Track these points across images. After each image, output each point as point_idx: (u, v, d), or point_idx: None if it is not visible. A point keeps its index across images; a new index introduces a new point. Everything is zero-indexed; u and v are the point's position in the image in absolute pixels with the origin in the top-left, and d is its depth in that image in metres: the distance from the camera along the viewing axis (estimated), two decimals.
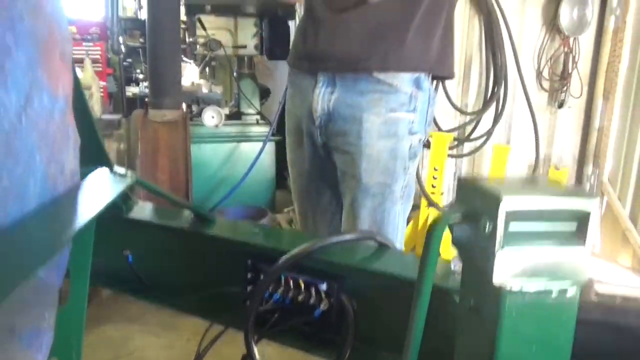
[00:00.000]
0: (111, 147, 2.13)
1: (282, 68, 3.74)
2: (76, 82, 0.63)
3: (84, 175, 0.61)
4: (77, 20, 7.16)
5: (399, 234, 1.24)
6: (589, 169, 2.91)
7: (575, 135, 2.94)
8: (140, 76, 5.95)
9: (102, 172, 0.64)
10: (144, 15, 6.82)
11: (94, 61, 6.97)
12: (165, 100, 2.27)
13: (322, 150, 1.23)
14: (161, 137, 2.18)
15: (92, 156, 0.65)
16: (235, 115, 3.32)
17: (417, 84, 1.13)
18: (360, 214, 1.19)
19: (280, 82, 3.89)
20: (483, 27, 2.60)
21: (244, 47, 3.23)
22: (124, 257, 0.85)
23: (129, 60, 7.61)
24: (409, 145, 1.15)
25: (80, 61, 7.36)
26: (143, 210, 0.84)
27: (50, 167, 0.51)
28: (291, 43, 1.34)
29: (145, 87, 4.60)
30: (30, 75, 0.45)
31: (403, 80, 1.11)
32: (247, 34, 3.29)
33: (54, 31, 0.50)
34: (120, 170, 0.68)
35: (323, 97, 1.15)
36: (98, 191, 0.57)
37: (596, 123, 2.85)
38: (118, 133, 2.16)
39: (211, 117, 2.70)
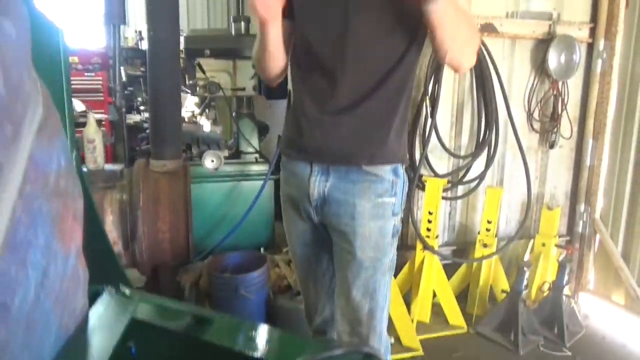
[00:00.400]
0: (113, 199, 2.19)
1: (281, 104, 3.82)
2: (90, 204, 0.69)
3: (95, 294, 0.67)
4: (80, 50, 7.31)
5: (387, 302, 1.39)
6: (581, 206, 2.97)
7: (567, 173, 3.00)
8: (142, 107, 6.06)
9: (108, 299, 0.70)
10: (144, 45, 6.95)
11: (95, 90, 7.11)
12: (165, 150, 2.34)
13: (319, 225, 1.38)
14: (162, 188, 2.24)
15: (109, 273, 0.71)
16: (235, 154, 3.39)
17: (396, 173, 1.32)
18: (355, 284, 1.32)
19: (279, 117, 3.97)
20: (474, 72, 2.68)
21: (243, 89, 3.32)
22: (127, 348, 0.91)
23: (130, 88, 7.74)
24: (393, 224, 1.33)
25: (82, 91, 7.47)
26: (146, 308, 0.90)
27: (64, 317, 0.57)
28: (283, 130, 1.44)
29: (147, 118, 4.70)
30: (47, 252, 0.52)
31: (385, 171, 1.30)
32: (246, 75, 3.38)
33: (67, 201, 0.56)
34: (126, 290, 0.74)
35: (319, 184, 1.31)
36: (104, 328, 0.62)
37: (587, 162, 2.92)
38: (120, 184, 2.22)
39: (211, 161, 2.77)
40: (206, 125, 3.53)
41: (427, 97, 2.56)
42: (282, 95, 3.56)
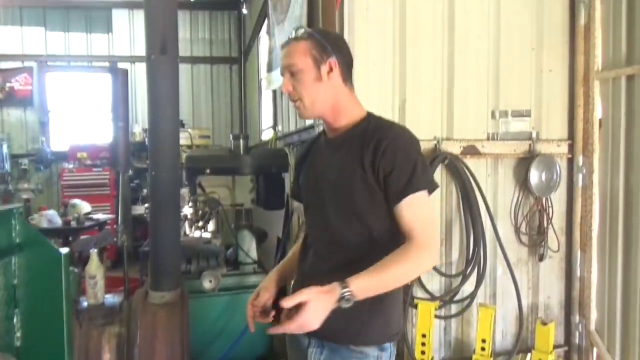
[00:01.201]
0: (112, 334, 2.25)
1: (279, 212, 3.96)
2: None
3: None
4: (89, 145, 7.62)
5: None
6: (576, 317, 2.99)
7: (559, 283, 3.05)
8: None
9: None
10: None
11: (103, 185, 7.32)
12: (164, 281, 2.42)
13: None
14: (159, 321, 2.30)
15: None
16: (234, 265, 3.47)
17: (381, 348, 1.41)
18: None
19: (277, 224, 4.09)
20: (460, 192, 2.81)
21: (241, 205, 3.47)
22: None
23: (137, 181, 7.99)
24: None
25: (90, 186, 7.65)
26: None
27: None
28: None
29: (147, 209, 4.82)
30: None
31: (372, 349, 1.41)
32: (244, 190, 3.54)
33: None
34: None
35: (314, 355, 1.45)
36: None
37: (577, 273, 2.97)
38: (119, 318, 2.29)
39: (209, 282, 2.85)
40: (205, 236, 3.64)
41: None
42: (280, 204, 3.70)
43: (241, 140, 3.54)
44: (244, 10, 8.06)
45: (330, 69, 1.45)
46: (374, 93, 2.71)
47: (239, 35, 8.20)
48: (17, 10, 7.50)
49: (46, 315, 1.32)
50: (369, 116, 1.50)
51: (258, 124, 6.33)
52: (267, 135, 5.53)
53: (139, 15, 7.85)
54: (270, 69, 4.54)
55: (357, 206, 1.40)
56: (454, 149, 2.80)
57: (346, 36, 2.63)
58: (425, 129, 2.77)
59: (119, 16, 7.82)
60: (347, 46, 1.56)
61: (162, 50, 2.38)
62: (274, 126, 4.89)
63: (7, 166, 7.07)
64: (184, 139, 7.15)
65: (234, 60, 8.22)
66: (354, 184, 1.40)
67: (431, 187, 1.41)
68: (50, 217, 4.91)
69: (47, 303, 1.27)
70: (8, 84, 7.42)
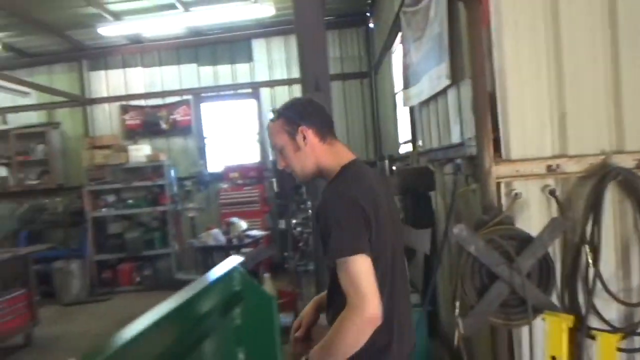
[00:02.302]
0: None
1: (425, 230, 3.93)
2: None
3: None
4: (239, 165, 8.35)
5: None
6: None
7: None
8: None
9: None
10: None
11: (253, 202, 7.96)
12: None
13: None
14: None
15: None
16: None
17: None
18: None
19: (422, 242, 4.07)
20: (637, 210, 2.53)
21: None
22: None
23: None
24: None
25: (243, 203, 8.33)
26: None
27: None
28: None
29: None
30: None
31: None
32: None
33: None
34: None
35: None
36: None
37: None
38: None
39: None
40: None
41: (587, 245, 2.46)
42: (428, 223, 3.68)
43: (386, 161, 3.62)
44: (371, 25, 8.19)
45: (304, 136, 1.64)
46: (528, 110, 2.57)
47: (367, 50, 8.33)
48: (174, 51, 8.54)
49: (261, 347, 1.54)
50: (339, 172, 1.64)
51: (395, 137, 6.37)
52: (405, 148, 5.53)
53: (275, 42, 8.43)
54: (406, 85, 4.54)
55: None
56: (627, 162, 2.53)
57: (494, 53, 2.55)
58: (590, 143, 2.56)
59: (258, 45, 8.46)
60: (316, 106, 1.74)
61: (316, 88, 2.56)
62: (413, 141, 4.88)
63: (175, 188, 8.07)
64: None
65: (365, 75, 8.38)
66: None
67: (353, 251, 1.45)
68: (216, 236, 5.50)
69: (262, 338, 1.48)
70: (172, 117, 8.48)
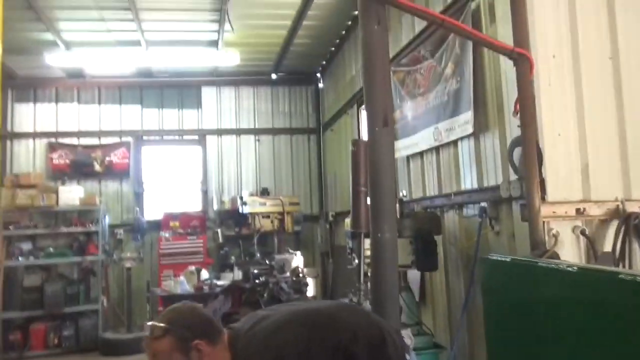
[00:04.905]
0: None
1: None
2: None
3: None
4: (181, 214, 7.94)
5: None
6: None
7: None
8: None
9: None
10: (246, 209, 7.54)
11: (196, 253, 7.54)
12: None
13: None
14: None
15: None
16: None
17: None
18: None
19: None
20: None
21: (408, 266, 3.63)
22: None
23: (226, 248, 8.20)
24: None
25: (186, 254, 7.84)
26: None
27: None
28: None
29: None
30: None
31: None
32: (404, 251, 3.72)
33: None
34: None
35: None
36: None
37: None
38: None
39: (409, 339, 2.95)
40: None
41: None
42: (434, 266, 3.84)
43: (397, 205, 3.75)
44: (321, 85, 8.60)
45: (199, 350, 1.53)
46: (560, 159, 2.93)
47: (317, 107, 8.67)
48: (117, 90, 8.13)
49: None
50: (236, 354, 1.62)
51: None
52: None
53: (225, 92, 8.44)
54: (395, 138, 4.83)
55: None
56: (634, 208, 2.95)
57: (538, 108, 2.87)
58: (607, 190, 2.95)
59: (208, 93, 8.39)
60: (197, 312, 1.66)
61: (384, 123, 2.66)
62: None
63: (107, 236, 7.38)
64: (275, 206, 7.44)
65: (313, 131, 8.65)
66: None
67: None
68: (182, 284, 5.11)
69: None
70: (107, 158, 7.90)
